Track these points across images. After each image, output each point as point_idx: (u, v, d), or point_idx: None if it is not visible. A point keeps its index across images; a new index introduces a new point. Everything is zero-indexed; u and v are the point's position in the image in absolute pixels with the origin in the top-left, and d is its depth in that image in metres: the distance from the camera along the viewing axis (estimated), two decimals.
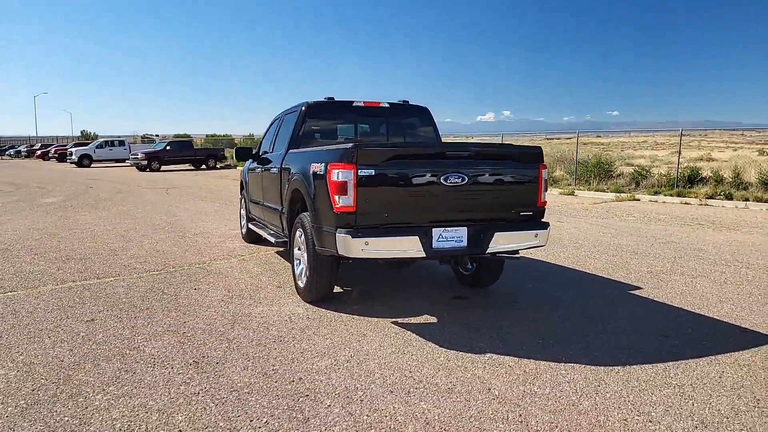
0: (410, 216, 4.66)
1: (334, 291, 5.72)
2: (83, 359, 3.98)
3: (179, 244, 8.48)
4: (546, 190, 5.16)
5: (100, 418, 3.13)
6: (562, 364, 3.97)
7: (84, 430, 3.01)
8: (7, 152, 64.26)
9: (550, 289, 5.98)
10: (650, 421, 3.15)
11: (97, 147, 39.08)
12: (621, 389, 3.56)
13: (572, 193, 18.52)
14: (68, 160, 38.81)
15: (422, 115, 6.80)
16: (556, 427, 3.08)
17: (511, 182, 4.98)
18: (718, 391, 3.56)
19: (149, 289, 5.91)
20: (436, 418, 3.17)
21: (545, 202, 5.17)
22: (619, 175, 20.38)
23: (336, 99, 6.36)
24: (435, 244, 4.69)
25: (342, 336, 4.51)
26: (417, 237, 4.55)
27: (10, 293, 5.71)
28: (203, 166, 34.55)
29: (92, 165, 37.70)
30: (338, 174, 4.44)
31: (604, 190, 18.39)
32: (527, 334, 4.58)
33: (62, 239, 8.90)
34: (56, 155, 46.01)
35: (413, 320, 4.93)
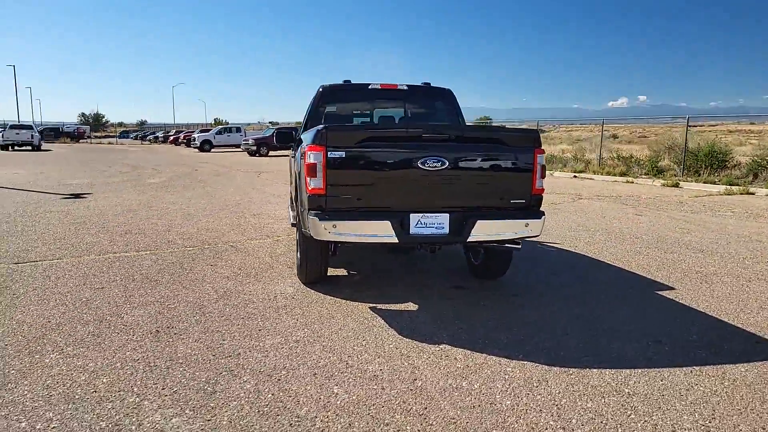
0: (384, 200, 4.55)
1: (342, 274, 5.77)
2: (67, 322, 4.37)
3: (230, 224, 8.93)
4: (543, 176, 4.81)
5: (38, 374, 3.43)
6: (515, 361, 3.71)
7: (18, 381, 3.32)
8: (147, 138, 71.18)
9: (562, 285, 5.58)
10: (563, 428, 2.87)
11: (216, 133, 42.10)
12: (559, 392, 3.28)
13: (676, 185, 16.97)
14: (192, 145, 42.10)
15: (444, 97, 6.58)
16: (454, 423, 2.91)
17: (500, 168, 4.70)
18: (671, 404, 3.16)
19: (172, 263, 6.31)
20: (339, 402, 3.12)
21: (541, 190, 4.82)
22: (736, 165, 18.37)
23: (353, 82, 6.35)
24: (413, 230, 4.55)
25: (309, 317, 4.54)
26: (389, 222, 4.44)
27: (55, 260, 6.36)
28: None
29: (212, 150, 40.57)
30: (310, 156, 4.45)
31: (714, 182, 16.68)
32: (501, 329, 4.33)
33: (135, 215, 9.72)
34: (184, 141, 50.04)
35: (393, 307, 4.84)
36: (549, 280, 5.73)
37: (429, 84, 6.57)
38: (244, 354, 3.76)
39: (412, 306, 4.87)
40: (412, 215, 4.55)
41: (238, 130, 42.44)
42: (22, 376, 3.39)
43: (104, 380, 3.34)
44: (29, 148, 38.40)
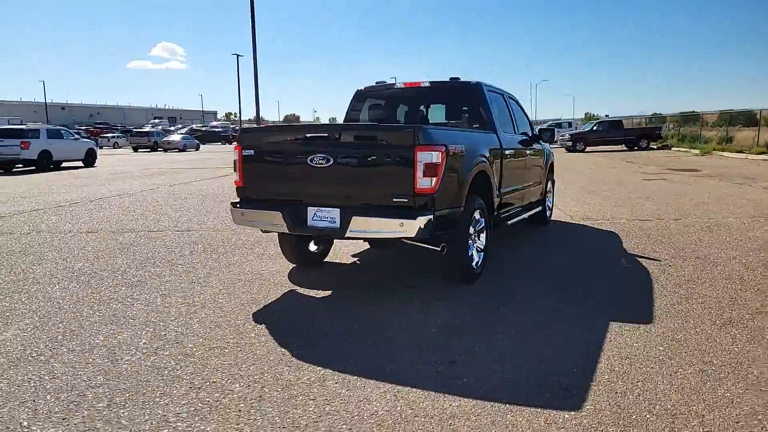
0: (282, 193, 5.03)
1: (341, 262, 6.32)
2: (62, 279, 5.47)
3: None
4: (433, 175, 4.50)
5: None
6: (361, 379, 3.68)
7: None
8: None
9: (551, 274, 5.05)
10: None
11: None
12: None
13: None
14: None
15: (468, 92, 6.27)
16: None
17: (380, 166, 4.63)
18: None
19: (211, 242, 7.20)
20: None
21: (428, 189, 4.51)
22: None
23: (387, 82, 6.61)
24: (310, 223, 4.86)
25: (253, 292, 5.07)
26: (279, 213, 4.92)
27: (125, 233, 7.83)
28: (635, 147, 32.89)
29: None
30: (235, 153, 5.28)
31: None
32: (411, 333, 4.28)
33: None
34: None
35: (327, 293, 5.12)
36: (545, 272, 5.11)
37: (457, 78, 6.33)
38: (153, 318, 4.42)
39: (361, 294, 5.09)
40: (309, 209, 4.89)
41: (569, 125, 41.81)
42: None
43: (9, 334, 4.94)
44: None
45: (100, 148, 42.43)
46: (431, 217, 4.49)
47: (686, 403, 2.99)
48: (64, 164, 24.49)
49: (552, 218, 8.89)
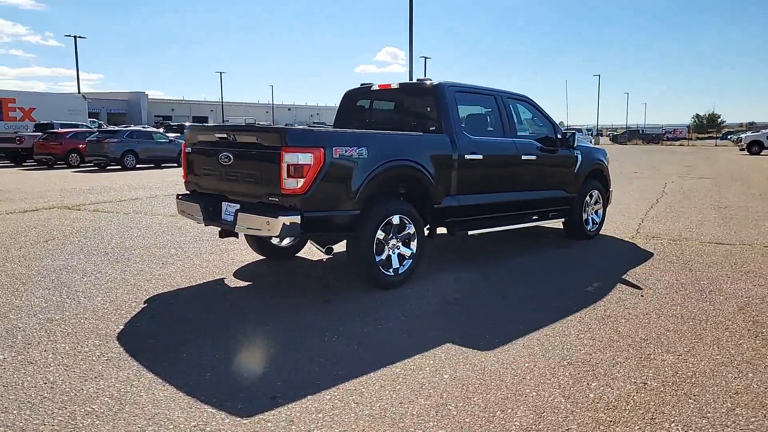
0: (208, 188, 5.40)
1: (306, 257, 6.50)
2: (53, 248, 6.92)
3: None
4: (297, 176, 4.51)
5: None
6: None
7: None
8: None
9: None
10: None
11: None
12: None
13: None
14: (738, 147, 37.34)
15: (427, 94, 5.95)
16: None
17: (258, 166, 4.79)
18: None
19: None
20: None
21: (295, 190, 4.52)
22: None
23: (371, 84, 6.52)
24: (223, 216, 5.18)
25: (200, 271, 5.65)
26: (198, 205, 5.31)
27: None
28: None
29: (762, 153, 34.90)
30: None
31: None
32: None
33: None
34: None
35: (258, 282, 5.42)
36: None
37: (425, 80, 6.02)
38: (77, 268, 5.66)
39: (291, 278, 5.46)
40: (224, 203, 5.24)
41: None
42: None
43: None
44: None
45: None
46: (298, 217, 4.53)
47: None
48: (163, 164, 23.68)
49: (618, 236, 7.96)
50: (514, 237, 7.80)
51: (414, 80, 6.27)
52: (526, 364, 3.59)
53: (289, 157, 4.49)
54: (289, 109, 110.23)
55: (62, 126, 25.76)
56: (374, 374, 3.42)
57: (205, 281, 5.50)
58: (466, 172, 5.79)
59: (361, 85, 6.66)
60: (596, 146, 8.74)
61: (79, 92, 38.15)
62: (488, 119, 6.46)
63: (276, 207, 4.62)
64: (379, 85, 6.41)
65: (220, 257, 6.43)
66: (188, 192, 5.68)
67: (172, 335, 4.08)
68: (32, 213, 9.92)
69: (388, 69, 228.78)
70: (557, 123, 7.31)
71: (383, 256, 5.13)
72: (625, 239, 7.76)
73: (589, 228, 7.70)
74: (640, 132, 73.57)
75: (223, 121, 67.88)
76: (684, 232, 8.17)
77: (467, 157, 5.76)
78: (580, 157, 7.32)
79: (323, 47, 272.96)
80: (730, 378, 3.41)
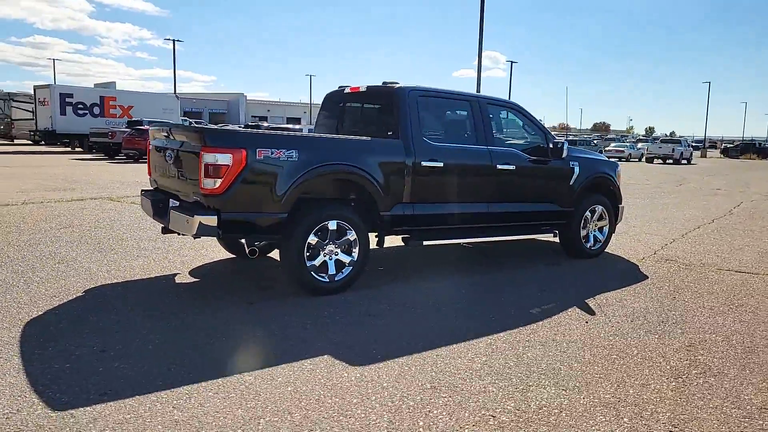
0: (161, 185, 5.56)
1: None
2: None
3: None
4: (215, 176, 4.53)
5: None
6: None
7: None
8: None
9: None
10: None
11: None
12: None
13: None
14: None
15: (386, 99, 5.76)
16: None
17: (188, 165, 4.85)
18: None
19: None
20: None
21: (212, 190, 4.53)
22: None
23: (345, 86, 6.42)
24: (166, 213, 5.37)
25: (163, 264, 5.77)
26: (149, 201, 5.48)
27: None
28: None
29: None
30: None
31: None
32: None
33: None
34: None
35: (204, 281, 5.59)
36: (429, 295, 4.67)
37: (392, 84, 5.81)
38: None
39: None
40: (171, 200, 5.39)
41: None
42: None
43: None
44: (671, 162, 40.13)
45: None
46: (215, 218, 4.57)
47: None
48: None
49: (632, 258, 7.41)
50: (509, 249, 7.43)
51: (382, 84, 6.07)
52: (384, 383, 3.39)
53: (208, 157, 4.53)
54: None
55: (150, 123, 27.61)
56: (214, 381, 3.37)
57: (157, 275, 5.66)
58: (422, 180, 5.57)
59: (338, 87, 6.60)
60: (604, 158, 8.07)
61: (174, 92, 40.82)
62: (459, 125, 6.19)
63: (200, 206, 4.69)
64: (350, 88, 6.32)
65: (197, 253, 6.60)
66: (151, 188, 5.90)
67: (73, 325, 4.22)
68: (76, 202, 10.67)
69: (487, 74, 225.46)
70: (548, 130, 6.85)
71: (316, 262, 5.05)
72: (632, 260, 7.15)
73: (589, 246, 7.17)
74: (757, 145, 66.79)
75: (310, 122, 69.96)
76: (709, 258, 7.40)
77: (425, 164, 5.55)
78: (577, 169, 6.82)
79: (420, 50, 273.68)
80: (597, 420, 3.04)
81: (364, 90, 6.15)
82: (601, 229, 7.30)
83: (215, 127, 5.62)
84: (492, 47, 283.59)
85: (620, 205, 7.52)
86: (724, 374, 3.72)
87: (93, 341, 3.90)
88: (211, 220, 4.56)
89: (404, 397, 3.23)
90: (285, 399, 3.17)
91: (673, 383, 3.56)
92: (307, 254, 4.98)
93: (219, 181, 4.54)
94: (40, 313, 4.44)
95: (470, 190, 6.01)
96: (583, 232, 7.06)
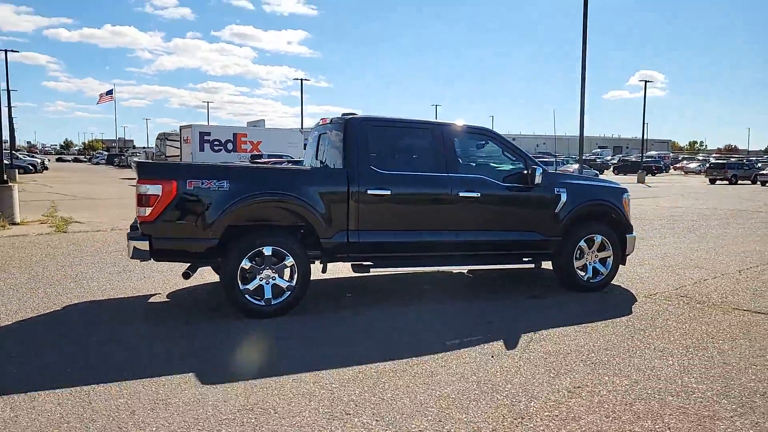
0: None
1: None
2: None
3: None
4: (145, 205, 5.00)
5: None
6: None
7: None
8: None
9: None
10: None
11: None
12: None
13: None
14: None
15: (340, 129, 5.86)
16: None
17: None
18: None
19: None
20: None
21: (142, 217, 5.02)
22: None
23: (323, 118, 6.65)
24: None
25: (144, 285, 6.32)
26: (130, 226, 6.12)
27: None
28: None
29: None
30: None
31: None
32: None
33: None
34: None
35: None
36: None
37: (347, 115, 5.93)
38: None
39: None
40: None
41: None
42: None
43: None
44: None
45: None
46: (146, 243, 5.06)
47: None
48: None
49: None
50: (506, 276, 7.17)
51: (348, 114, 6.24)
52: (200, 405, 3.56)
53: (140, 188, 5.05)
54: (513, 139, 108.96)
55: (269, 156, 29.89)
56: (98, 386, 3.75)
57: (133, 296, 6.23)
58: (369, 208, 5.66)
59: (321, 119, 6.91)
60: (608, 183, 7.35)
61: (302, 128, 43.60)
62: (417, 154, 6.17)
63: (138, 233, 5.21)
64: (322, 120, 6.60)
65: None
66: None
67: (26, 335, 4.88)
68: None
69: (640, 94, 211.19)
70: (530, 156, 6.55)
71: (250, 286, 5.31)
72: (640, 295, 6.51)
73: (587, 277, 6.65)
74: None
75: None
76: (737, 297, 6.52)
77: (371, 192, 5.63)
78: (564, 196, 6.41)
79: (570, 72, 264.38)
80: None
81: (329, 122, 6.39)
82: (603, 261, 6.75)
83: (149, 161, 6.16)
84: (649, 66, 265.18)
85: (629, 235, 6.89)
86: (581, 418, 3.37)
87: (16, 348, 4.48)
88: (144, 245, 5.05)
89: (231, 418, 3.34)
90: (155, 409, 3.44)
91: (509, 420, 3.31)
92: (242, 278, 5.26)
93: (149, 210, 5.03)
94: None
95: (428, 219, 5.95)
96: (578, 263, 6.59)
